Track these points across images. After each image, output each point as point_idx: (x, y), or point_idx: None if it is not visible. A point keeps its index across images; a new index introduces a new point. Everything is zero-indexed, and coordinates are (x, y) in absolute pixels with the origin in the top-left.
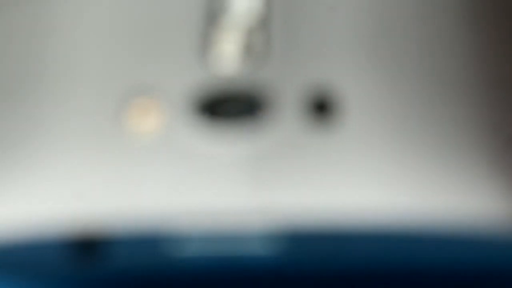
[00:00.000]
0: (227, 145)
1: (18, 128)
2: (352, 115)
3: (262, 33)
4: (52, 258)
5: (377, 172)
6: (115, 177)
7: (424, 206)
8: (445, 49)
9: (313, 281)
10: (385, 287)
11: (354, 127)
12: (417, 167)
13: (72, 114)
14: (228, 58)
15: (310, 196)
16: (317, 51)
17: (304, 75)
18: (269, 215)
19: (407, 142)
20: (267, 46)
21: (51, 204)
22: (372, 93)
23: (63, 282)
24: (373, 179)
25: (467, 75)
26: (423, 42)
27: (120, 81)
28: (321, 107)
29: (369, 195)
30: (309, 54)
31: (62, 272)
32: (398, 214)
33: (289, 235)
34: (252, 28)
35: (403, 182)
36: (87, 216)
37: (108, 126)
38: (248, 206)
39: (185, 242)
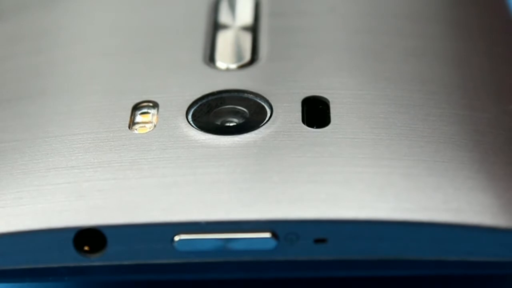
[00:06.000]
0: (227, 147)
1: (24, 128)
2: (347, 119)
3: (259, 36)
4: (55, 248)
5: (370, 172)
6: (117, 172)
7: (418, 205)
8: (439, 53)
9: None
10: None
11: (350, 131)
12: (415, 172)
13: (75, 114)
14: (226, 62)
15: (304, 193)
16: (313, 55)
17: (301, 80)
18: (264, 207)
19: (401, 145)
20: (263, 49)
21: (54, 198)
22: (366, 95)
23: (66, 272)
24: (368, 179)
25: (464, 78)
26: (415, 44)
27: (121, 85)
28: (315, 111)
29: (365, 193)
30: (306, 58)
31: (65, 262)
32: (392, 212)
33: (284, 222)
34: (249, 32)
35: (400, 185)
36: (89, 208)
37: (110, 127)
38: (244, 199)
39: (183, 230)
